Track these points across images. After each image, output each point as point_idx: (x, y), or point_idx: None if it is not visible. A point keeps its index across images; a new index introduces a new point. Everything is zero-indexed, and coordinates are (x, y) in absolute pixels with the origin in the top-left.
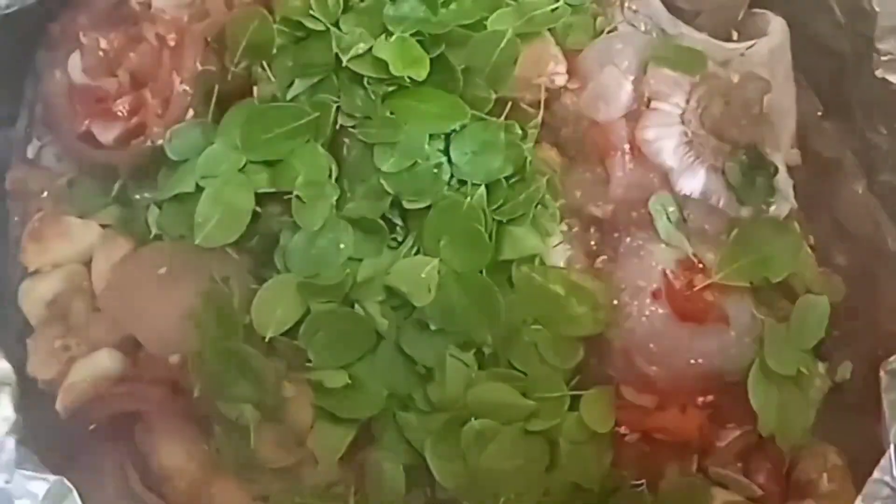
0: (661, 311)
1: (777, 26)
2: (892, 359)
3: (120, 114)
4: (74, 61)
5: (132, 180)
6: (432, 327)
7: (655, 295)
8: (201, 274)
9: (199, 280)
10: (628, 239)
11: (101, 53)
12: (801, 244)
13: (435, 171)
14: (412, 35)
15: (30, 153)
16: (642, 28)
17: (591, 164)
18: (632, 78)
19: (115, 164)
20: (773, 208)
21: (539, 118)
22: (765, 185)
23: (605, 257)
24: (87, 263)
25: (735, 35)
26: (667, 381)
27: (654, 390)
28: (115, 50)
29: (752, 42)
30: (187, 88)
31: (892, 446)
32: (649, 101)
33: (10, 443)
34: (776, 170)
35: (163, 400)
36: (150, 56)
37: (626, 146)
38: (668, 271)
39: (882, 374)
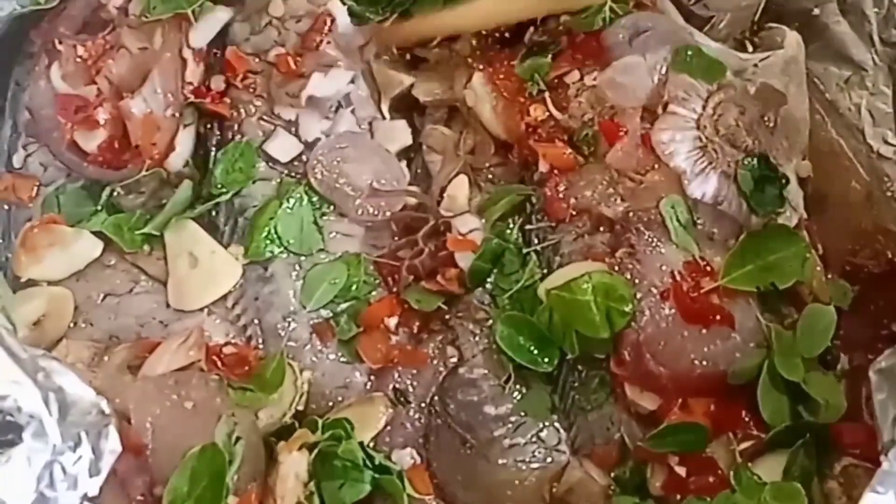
0: (668, 311)
1: (791, 40)
2: (880, 358)
3: (101, 122)
4: (56, 70)
5: (121, 187)
6: None
7: (664, 295)
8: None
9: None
10: (638, 239)
11: (78, 61)
12: (809, 253)
13: None
14: None
15: (16, 162)
16: None
17: (603, 165)
18: (654, 64)
19: (107, 180)
20: (782, 217)
21: None
22: (774, 194)
23: (625, 250)
24: (73, 280)
25: (750, 48)
26: (671, 382)
27: (658, 390)
28: (92, 57)
29: (768, 53)
30: (175, 113)
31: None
32: (667, 104)
33: None
34: (787, 180)
35: None
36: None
37: (638, 136)
38: (676, 273)
39: (871, 374)
